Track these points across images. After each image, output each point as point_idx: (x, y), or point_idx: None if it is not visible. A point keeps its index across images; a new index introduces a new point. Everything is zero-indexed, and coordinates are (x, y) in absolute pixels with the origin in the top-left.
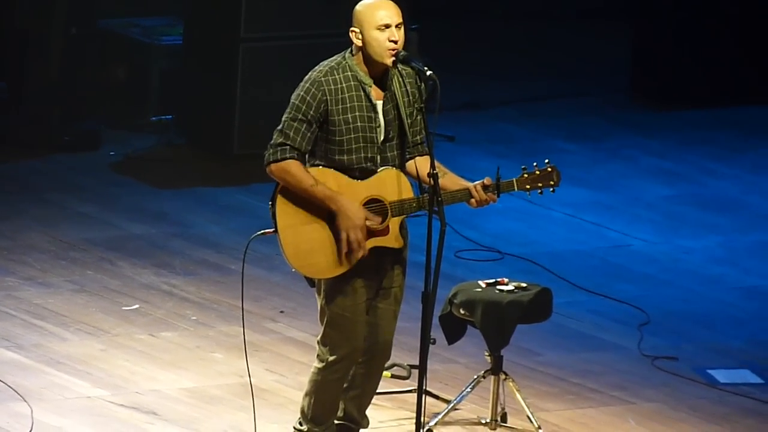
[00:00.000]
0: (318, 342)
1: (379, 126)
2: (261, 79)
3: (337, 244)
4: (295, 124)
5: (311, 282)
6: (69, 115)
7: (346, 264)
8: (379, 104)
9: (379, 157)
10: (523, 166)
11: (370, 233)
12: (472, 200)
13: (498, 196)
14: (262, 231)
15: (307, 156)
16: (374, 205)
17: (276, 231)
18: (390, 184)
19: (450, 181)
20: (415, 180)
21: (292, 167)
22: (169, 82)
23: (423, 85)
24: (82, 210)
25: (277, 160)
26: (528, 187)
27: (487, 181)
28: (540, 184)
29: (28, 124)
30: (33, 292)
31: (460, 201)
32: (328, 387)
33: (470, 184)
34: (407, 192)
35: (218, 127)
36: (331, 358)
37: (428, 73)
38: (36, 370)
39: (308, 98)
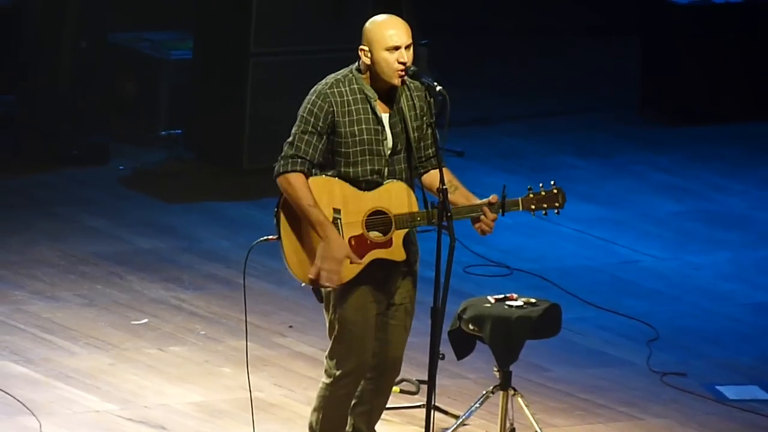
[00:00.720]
0: (326, 357)
1: (386, 139)
2: (270, 93)
3: (353, 257)
4: (306, 136)
5: (320, 297)
6: (78, 129)
7: (348, 273)
8: (386, 117)
9: (386, 170)
10: (529, 186)
11: (372, 245)
12: (477, 226)
13: (503, 215)
14: (266, 237)
15: (314, 167)
16: (379, 216)
17: (278, 237)
18: (396, 196)
19: (461, 195)
20: (431, 193)
21: (297, 182)
22: (179, 97)
23: (432, 99)
24: (90, 224)
25: (286, 171)
26: (533, 207)
27: (493, 198)
28: (545, 205)
29: (37, 138)
30: (42, 306)
31: (466, 217)
32: (336, 402)
33: (479, 201)
34: (413, 206)
35: (227, 141)
36: (338, 373)
37: (438, 88)
38: (44, 384)
39: (315, 110)
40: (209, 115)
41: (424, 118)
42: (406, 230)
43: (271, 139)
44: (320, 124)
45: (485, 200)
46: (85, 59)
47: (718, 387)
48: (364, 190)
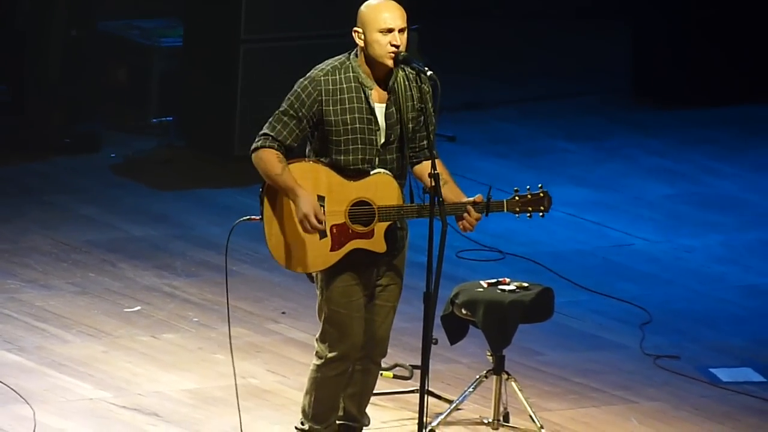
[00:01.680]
0: (316, 339)
1: (379, 129)
2: (261, 80)
3: (335, 244)
4: (285, 118)
5: (311, 277)
6: (69, 117)
7: (324, 262)
8: (380, 107)
9: (377, 160)
10: (515, 188)
11: (354, 234)
12: (460, 224)
13: (487, 215)
14: (248, 216)
15: (308, 152)
16: (363, 207)
17: (262, 218)
18: (382, 188)
19: (449, 191)
20: (422, 183)
21: (266, 154)
22: (169, 84)
23: (425, 86)
24: (83, 212)
25: (256, 149)
26: (517, 209)
27: (478, 198)
28: (530, 208)
29: (28, 127)
30: (35, 294)
31: (450, 214)
32: (327, 384)
33: (467, 200)
34: (398, 199)
35: (219, 128)
36: (330, 355)
37: (428, 73)
38: (38, 373)
39: (303, 95)
40: (200, 103)
41: (419, 108)
42: (389, 222)
43: (263, 125)
44: (303, 110)
45: (470, 199)
46: (75, 47)
47: (711, 369)
48: (352, 178)
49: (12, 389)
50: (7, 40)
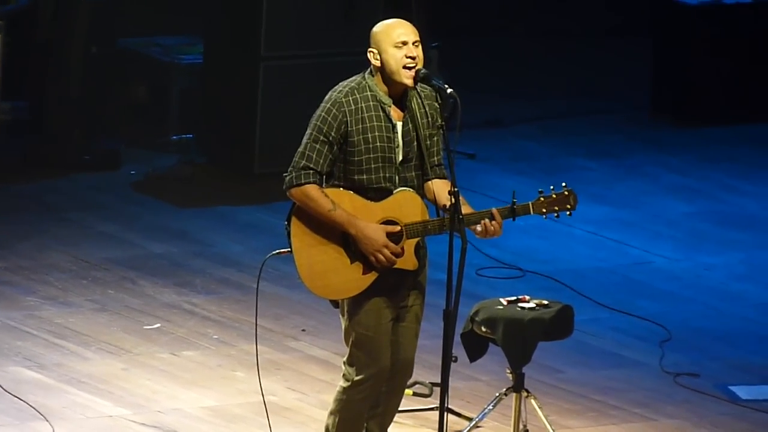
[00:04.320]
0: (344, 362)
1: (398, 146)
2: (281, 97)
3: (366, 267)
4: (317, 145)
5: (335, 303)
6: (89, 134)
7: (358, 287)
8: (399, 125)
9: (397, 178)
10: (540, 190)
11: None
12: (481, 227)
13: (514, 220)
14: (278, 251)
15: (324, 177)
16: (389, 227)
17: (291, 251)
18: (406, 206)
19: (461, 205)
20: (432, 203)
21: (312, 192)
22: (189, 101)
23: (442, 103)
24: (102, 229)
25: (300, 184)
26: (544, 210)
27: (494, 212)
28: (556, 208)
29: (48, 144)
30: (54, 311)
31: (476, 223)
32: (353, 406)
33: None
34: (423, 214)
35: (239, 145)
36: (357, 378)
37: (449, 90)
38: (57, 390)
39: (329, 119)
40: (220, 120)
41: (434, 126)
42: (417, 239)
43: (283, 143)
44: (333, 133)
45: (487, 210)
46: (95, 65)
47: (731, 387)
48: (373, 199)
49: (31, 406)
50: (28, 57)
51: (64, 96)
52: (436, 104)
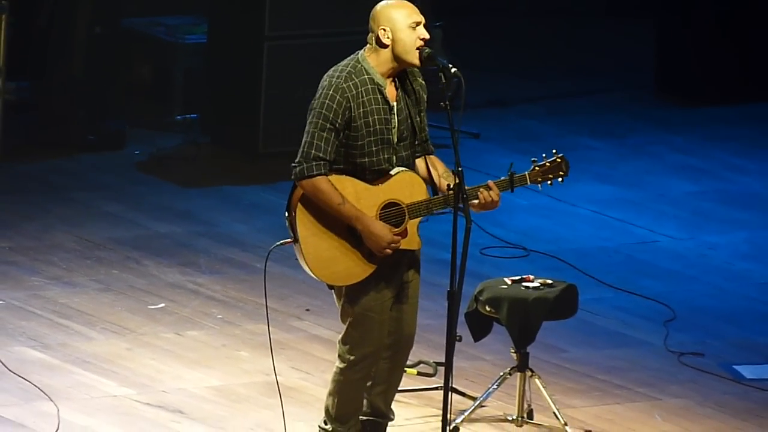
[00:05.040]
0: (339, 342)
1: (394, 127)
2: (285, 77)
3: (369, 259)
4: (324, 134)
5: (330, 284)
6: (93, 114)
7: (364, 271)
8: (394, 105)
9: (394, 158)
10: (533, 159)
11: None
12: (480, 197)
13: (512, 191)
14: (282, 242)
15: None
16: (392, 209)
17: (296, 240)
18: (406, 186)
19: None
20: (424, 179)
21: (323, 185)
22: (194, 81)
23: (446, 83)
24: (107, 209)
25: (311, 176)
26: (539, 179)
27: (490, 183)
28: (551, 176)
29: (52, 124)
30: (59, 291)
31: (473, 198)
32: (351, 386)
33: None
34: (423, 193)
35: (243, 125)
36: (352, 358)
37: (453, 70)
38: (62, 370)
39: (334, 106)
40: (224, 100)
41: (421, 106)
42: (419, 218)
43: (287, 123)
44: (338, 120)
45: (483, 184)
46: (100, 45)
47: (735, 366)
48: (373, 181)
49: (36, 386)
50: (32, 38)
51: (68, 76)
52: (422, 81)
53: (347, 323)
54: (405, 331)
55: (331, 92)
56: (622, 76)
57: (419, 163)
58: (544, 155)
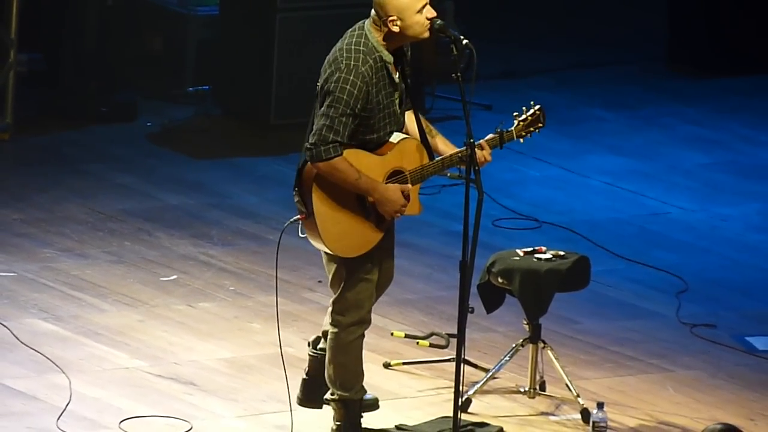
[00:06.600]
0: (332, 311)
1: (397, 98)
2: (297, 48)
3: (378, 222)
4: (344, 119)
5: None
6: (105, 86)
7: (373, 240)
8: (397, 77)
9: (396, 127)
10: (515, 113)
11: None
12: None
13: (501, 148)
14: (293, 219)
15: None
16: (397, 177)
17: (311, 215)
18: (408, 153)
19: (441, 143)
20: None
21: (341, 164)
22: (206, 53)
23: (458, 54)
24: (119, 181)
25: (330, 158)
26: (524, 133)
27: (481, 142)
28: (531, 129)
29: (64, 96)
30: (71, 263)
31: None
32: (348, 349)
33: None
34: (424, 158)
35: (255, 97)
36: (346, 321)
37: (465, 41)
38: (74, 342)
39: (355, 92)
40: (236, 71)
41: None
42: (421, 183)
43: (299, 94)
44: (359, 105)
45: (481, 140)
46: (112, 16)
47: (747, 338)
48: (377, 150)
49: (48, 358)
50: (44, 10)
51: (80, 48)
52: (405, 49)
53: (341, 288)
54: (388, 276)
55: (351, 77)
56: (635, 47)
57: (408, 116)
58: (524, 108)
